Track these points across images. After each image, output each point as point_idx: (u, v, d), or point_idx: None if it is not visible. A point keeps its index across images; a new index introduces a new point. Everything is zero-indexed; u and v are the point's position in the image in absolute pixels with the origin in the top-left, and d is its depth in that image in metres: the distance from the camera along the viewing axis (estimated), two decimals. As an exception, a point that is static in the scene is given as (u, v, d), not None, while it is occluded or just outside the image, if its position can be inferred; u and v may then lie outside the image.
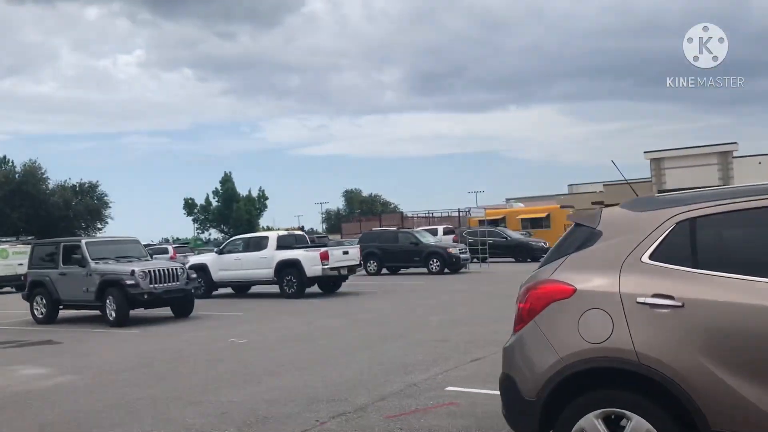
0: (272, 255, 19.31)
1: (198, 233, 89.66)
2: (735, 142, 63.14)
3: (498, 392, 4.27)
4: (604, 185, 70.76)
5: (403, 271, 27.96)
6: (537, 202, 56.47)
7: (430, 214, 60.39)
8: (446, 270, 25.90)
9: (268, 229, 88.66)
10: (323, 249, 19.10)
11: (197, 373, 8.81)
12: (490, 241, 31.56)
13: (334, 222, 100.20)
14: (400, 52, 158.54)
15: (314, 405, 6.69)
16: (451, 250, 26.03)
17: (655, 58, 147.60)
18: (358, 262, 20.17)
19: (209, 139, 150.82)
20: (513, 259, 32.79)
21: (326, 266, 18.64)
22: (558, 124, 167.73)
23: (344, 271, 19.46)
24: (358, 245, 21.07)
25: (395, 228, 30.78)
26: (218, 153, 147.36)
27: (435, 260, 25.97)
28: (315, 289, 19.50)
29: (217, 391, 7.60)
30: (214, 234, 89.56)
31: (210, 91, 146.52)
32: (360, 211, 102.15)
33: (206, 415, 6.55)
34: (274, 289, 20.25)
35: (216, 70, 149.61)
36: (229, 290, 21.27)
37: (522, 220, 42.57)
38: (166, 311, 15.67)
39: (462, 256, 26.30)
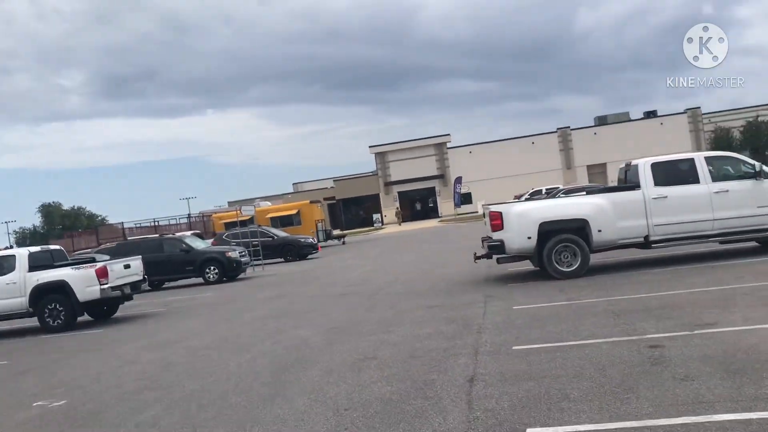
0: (24, 278, 14.55)
1: None
2: (448, 134, 67.95)
3: None
4: (334, 181, 71.54)
5: (168, 284, 23.98)
6: (271, 202, 54.46)
7: (156, 223, 55.22)
8: (224, 278, 22.63)
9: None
10: (99, 264, 14.84)
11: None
12: (255, 242, 28.79)
13: (31, 241, 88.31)
14: (82, 53, 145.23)
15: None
16: (230, 254, 22.78)
17: (341, 64, 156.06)
18: (142, 277, 16.16)
19: None
20: (282, 259, 30.43)
21: (105, 285, 14.47)
22: (256, 127, 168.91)
23: (128, 290, 15.38)
24: (139, 257, 16.90)
25: (158, 235, 26.36)
26: None
27: (212, 267, 22.52)
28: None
29: None
30: None
31: None
32: (62, 227, 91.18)
33: None
34: (26, 323, 15.50)
35: None
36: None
37: (272, 218, 40.23)
38: None
39: (243, 260, 23.22)
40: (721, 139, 62.33)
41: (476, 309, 10.43)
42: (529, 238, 12.72)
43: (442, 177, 66.87)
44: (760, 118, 64.65)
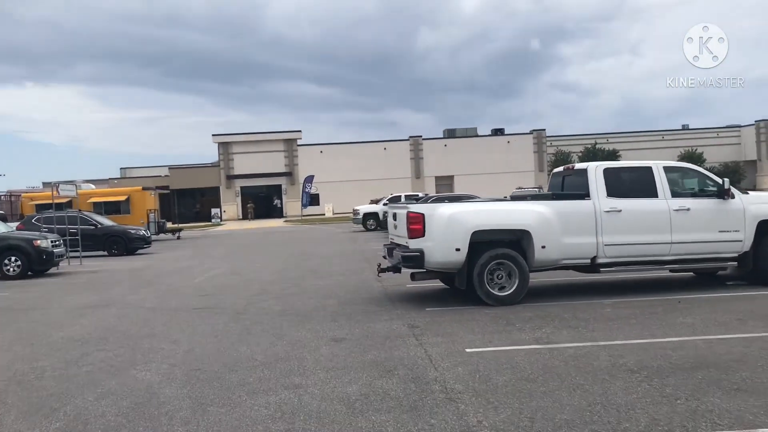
0: None
1: None
2: (299, 131, 64.38)
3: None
4: (169, 168, 65.28)
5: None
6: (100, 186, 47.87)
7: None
8: (30, 272, 17.71)
9: None
10: None
11: None
12: (73, 230, 23.75)
13: None
14: None
15: None
16: (39, 242, 17.80)
17: (179, 51, 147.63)
18: None
19: None
20: (105, 253, 25.43)
21: None
22: (82, 107, 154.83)
23: None
24: None
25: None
26: None
27: (14, 258, 17.45)
28: None
29: None
30: None
31: None
32: None
33: None
34: None
35: None
36: None
37: (95, 204, 34.48)
38: None
39: (56, 251, 18.35)
40: (561, 162, 64.07)
41: (411, 349, 7.26)
42: (458, 249, 9.77)
43: (290, 175, 63.00)
44: (597, 146, 67.42)
